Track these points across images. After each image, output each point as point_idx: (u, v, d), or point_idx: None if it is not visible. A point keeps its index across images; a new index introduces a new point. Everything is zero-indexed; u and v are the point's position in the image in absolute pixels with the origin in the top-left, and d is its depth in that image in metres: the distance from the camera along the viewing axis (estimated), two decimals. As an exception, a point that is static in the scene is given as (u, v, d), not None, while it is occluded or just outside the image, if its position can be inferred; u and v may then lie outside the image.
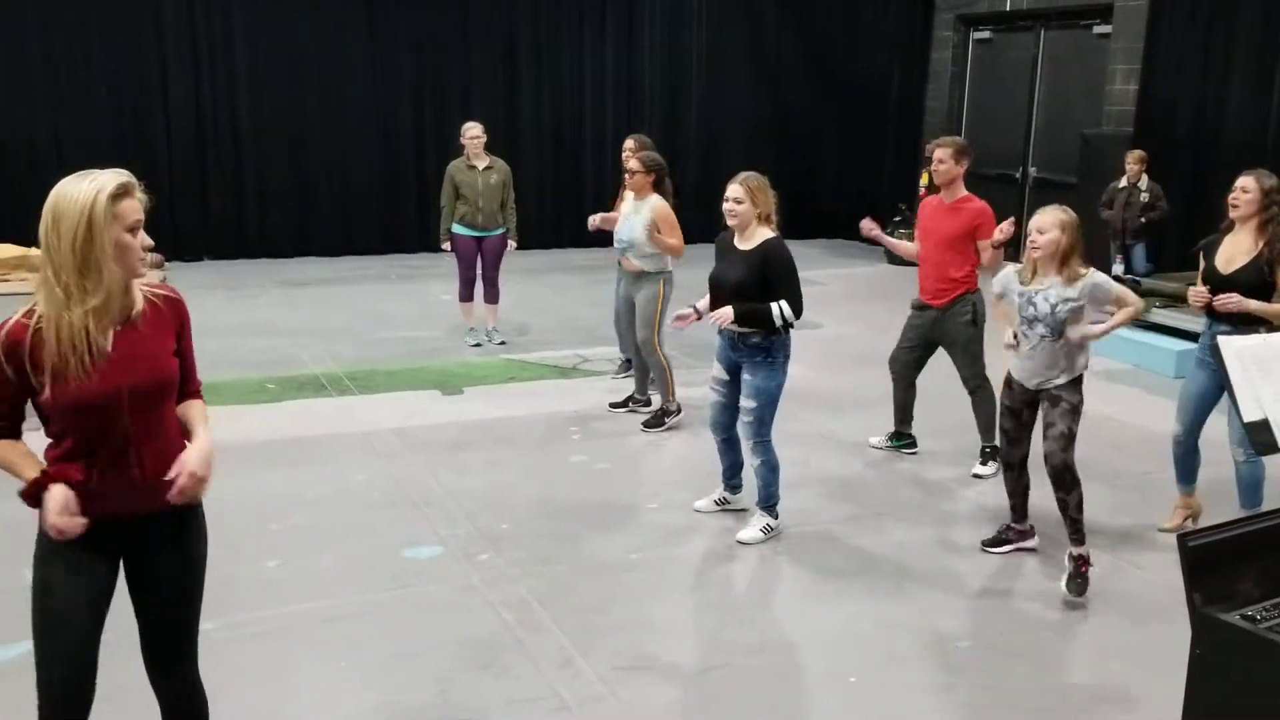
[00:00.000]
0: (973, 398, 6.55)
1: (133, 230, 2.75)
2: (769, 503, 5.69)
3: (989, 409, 6.45)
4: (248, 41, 13.29)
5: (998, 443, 5.57)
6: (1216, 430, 5.55)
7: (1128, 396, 8.13)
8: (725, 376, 5.63)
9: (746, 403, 5.51)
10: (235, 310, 10.81)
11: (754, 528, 5.66)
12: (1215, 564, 2.84)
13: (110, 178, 2.74)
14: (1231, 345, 4.46)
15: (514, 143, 14.27)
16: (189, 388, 3.01)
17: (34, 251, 2.85)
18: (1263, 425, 4.28)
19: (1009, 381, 5.14)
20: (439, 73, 14.21)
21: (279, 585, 4.98)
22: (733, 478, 5.95)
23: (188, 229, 13.39)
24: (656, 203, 7.11)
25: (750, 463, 5.67)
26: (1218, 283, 5.31)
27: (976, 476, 6.47)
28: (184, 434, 2.96)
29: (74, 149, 12.42)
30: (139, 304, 2.82)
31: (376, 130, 14.03)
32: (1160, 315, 9.28)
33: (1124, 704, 4.15)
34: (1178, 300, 9.57)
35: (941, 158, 6.42)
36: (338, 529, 5.61)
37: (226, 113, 13.36)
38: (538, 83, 14.76)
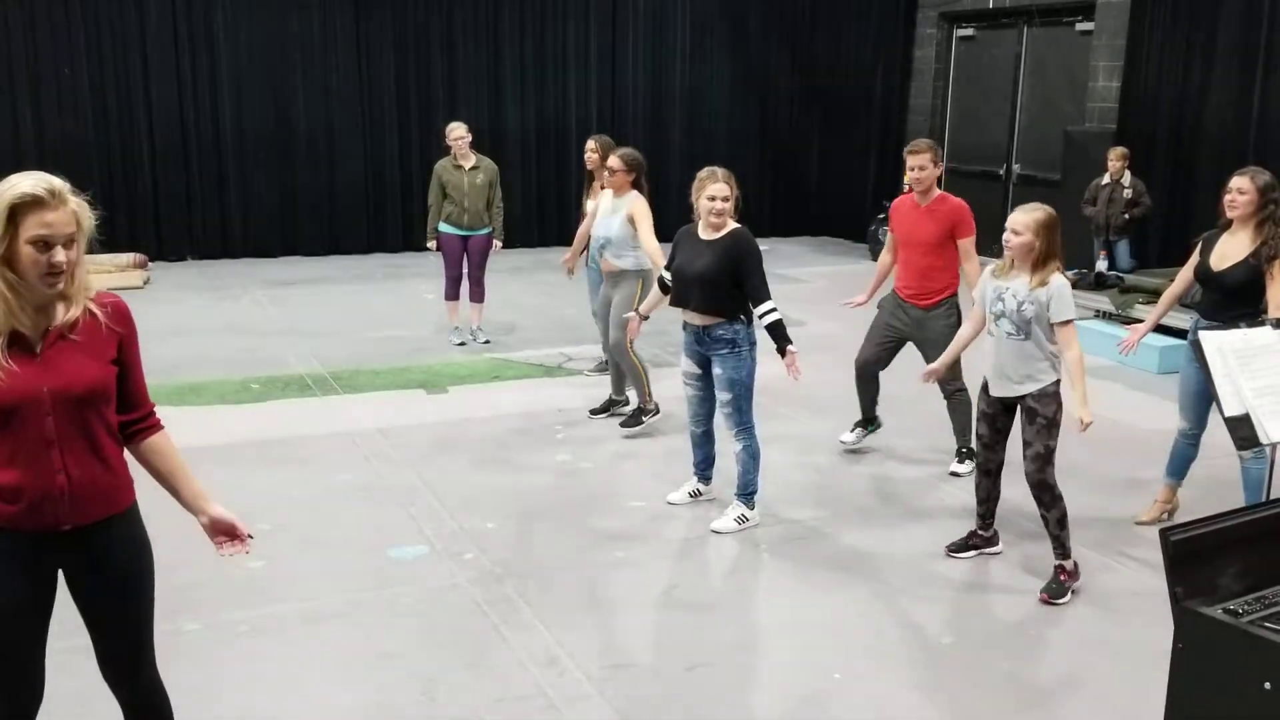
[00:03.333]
0: (950, 401, 6.54)
1: (34, 244, 2.62)
2: (747, 491, 5.73)
3: (966, 411, 6.44)
4: (231, 41, 13.22)
5: (974, 445, 5.55)
6: (1220, 433, 5.47)
7: (1110, 393, 8.15)
8: (697, 370, 5.71)
9: (722, 395, 5.63)
10: (219, 310, 10.78)
11: (729, 517, 5.71)
12: (1197, 558, 2.85)
13: (24, 185, 2.64)
14: (1213, 341, 4.49)
15: (498, 142, 14.24)
16: (138, 412, 2.95)
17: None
18: (1244, 420, 4.32)
19: (985, 387, 5.08)
20: (423, 72, 14.17)
21: (264, 585, 4.96)
22: (705, 469, 6.02)
23: (171, 229, 13.35)
24: (635, 199, 7.03)
25: (732, 449, 5.72)
26: (1208, 277, 5.38)
27: (954, 474, 6.49)
28: (164, 481, 3.00)
29: (57, 149, 12.39)
30: (75, 312, 2.76)
31: (361, 130, 13.98)
32: (1143, 311, 9.30)
33: (1107, 698, 4.17)
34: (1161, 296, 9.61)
35: (922, 164, 6.32)
36: (322, 529, 5.60)
37: (210, 112, 13.30)
38: (522, 82, 14.72)
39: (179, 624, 4.53)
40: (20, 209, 2.61)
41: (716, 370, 5.58)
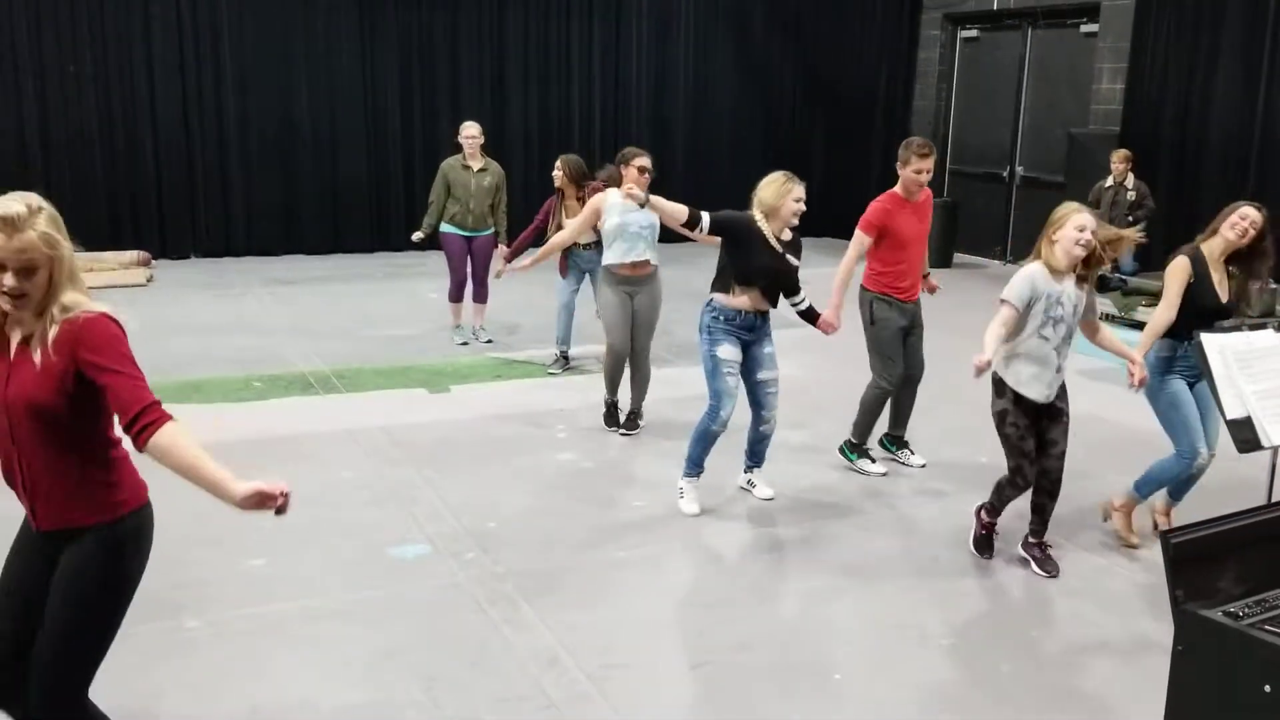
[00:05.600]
0: (914, 390, 6.62)
1: None
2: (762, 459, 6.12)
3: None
4: (236, 39, 13.25)
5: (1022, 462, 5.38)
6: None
7: (1112, 395, 8.13)
8: (741, 357, 5.83)
9: (772, 373, 5.83)
10: (222, 308, 10.79)
11: (767, 485, 6.11)
12: (1198, 561, 2.86)
13: None
14: (1215, 342, 4.50)
15: (502, 142, 14.27)
16: (133, 417, 2.80)
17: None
18: (1245, 423, 4.32)
19: (1019, 400, 4.96)
20: (427, 71, 14.19)
21: (265, 583, 4.97)
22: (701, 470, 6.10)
23: (175, 227, 13.38)
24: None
25: (764, 427, 5.94)
26: (1221, 313, 5.19)
27: (923, 465, 6.63)
28: (192, 478, 2.87)
29: (61, 147, 12.42)
30: (41, 328, 2.80)
31: (364, 129, 14.00)
32: (1145, 314, 9.31)
33: (1108, 700, 4.16)
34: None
35: (929, 168, 6.32)
36: (324, 527, 5.59)
37: (214, 110, 13.32)
38: (526, 83, 14.74)
39: (180, 621, 4.54)
40: None
41: (766, 350, 5.81)
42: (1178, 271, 5.22)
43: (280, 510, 2.83)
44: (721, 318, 5.73)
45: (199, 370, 8.35)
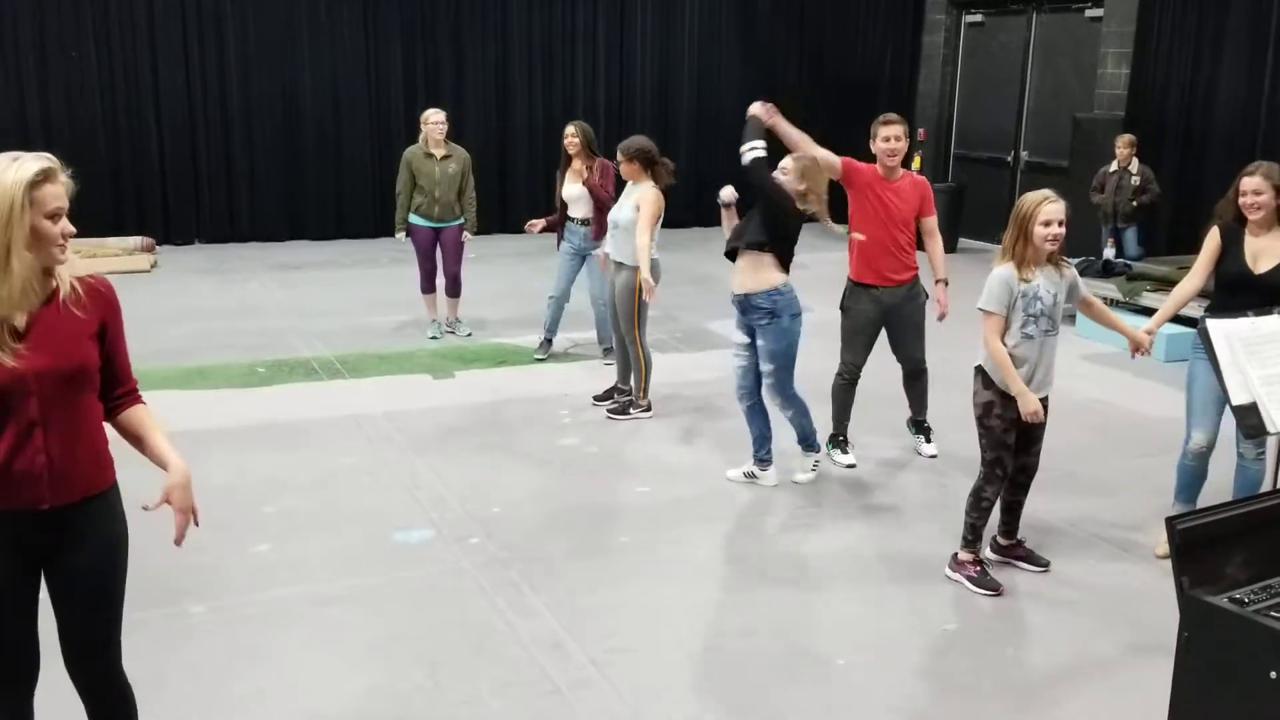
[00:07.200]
0: (919, 380, 6.54)
1: (52, 217, 2.69)
2: (808, 442, 6.07)
3: (926, 385, 6.59)
4: (240, 25, 13.19)
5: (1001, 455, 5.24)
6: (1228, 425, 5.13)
7: (1117, 380, 8.14)
8: (746, 339, 5.91)
9: (764, 366, 5.83)
10: (226, 294, 10.78)
11: (805, 472, 6.09)
12: (1203, 547, 2.85)
13: (31, 163, 2.69)
14: (1221, 328, 4.47)
15: (506, 127, 14.25)
16: (121, 388, 2.96)
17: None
18: (1251, 408, 4.30)
19: (1007, 396, 4.76)
20: (430, 57, 14.13)
21: (269, 569, 4.97)
22: (760, 449, 6.04)
23: (179, 212, 13.33)
24: (645, 189, 6.95)
25: (782, 416, 5.98)
26: (1246, 282, 5.01)
27: (933, 456, 6.53)
28: (138, 443, 2.97)
29: (64, 131, 12.38)
30: (61, 289, 2.78)
31: (369, 114, 13.93)
32: (1151, 299, 9.28)
33: (1112, 685, 4.16)
34: (1169, 284, 9.57)
35: (898, 134, 6.18)
36: (328, 513, 5.60)
37: (218, 96, 13.26)
38: (530, 66, 14.68)
39: (185, 606, 4.55)
40: (35, 185, 2.67)
41: (760, 341, 5.82)
42: (1207, 241, 5.15)
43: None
44: (733, 300, 5.94)
45: (203, 356, 8.35)
